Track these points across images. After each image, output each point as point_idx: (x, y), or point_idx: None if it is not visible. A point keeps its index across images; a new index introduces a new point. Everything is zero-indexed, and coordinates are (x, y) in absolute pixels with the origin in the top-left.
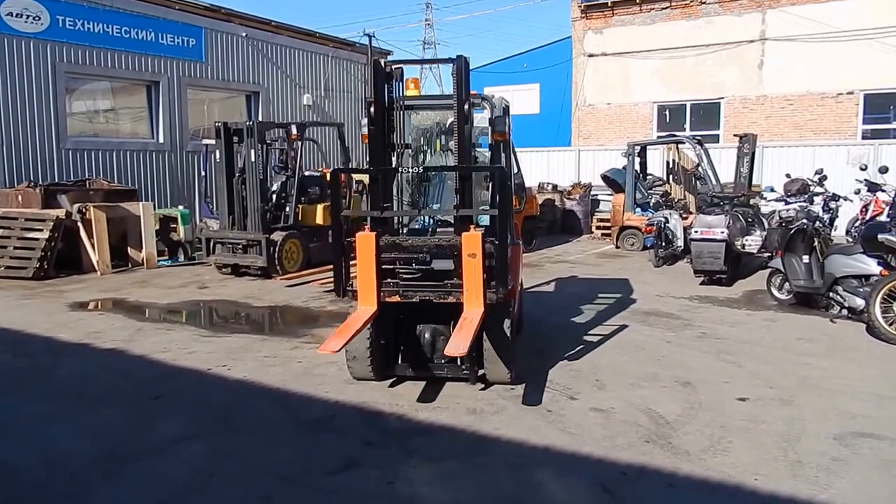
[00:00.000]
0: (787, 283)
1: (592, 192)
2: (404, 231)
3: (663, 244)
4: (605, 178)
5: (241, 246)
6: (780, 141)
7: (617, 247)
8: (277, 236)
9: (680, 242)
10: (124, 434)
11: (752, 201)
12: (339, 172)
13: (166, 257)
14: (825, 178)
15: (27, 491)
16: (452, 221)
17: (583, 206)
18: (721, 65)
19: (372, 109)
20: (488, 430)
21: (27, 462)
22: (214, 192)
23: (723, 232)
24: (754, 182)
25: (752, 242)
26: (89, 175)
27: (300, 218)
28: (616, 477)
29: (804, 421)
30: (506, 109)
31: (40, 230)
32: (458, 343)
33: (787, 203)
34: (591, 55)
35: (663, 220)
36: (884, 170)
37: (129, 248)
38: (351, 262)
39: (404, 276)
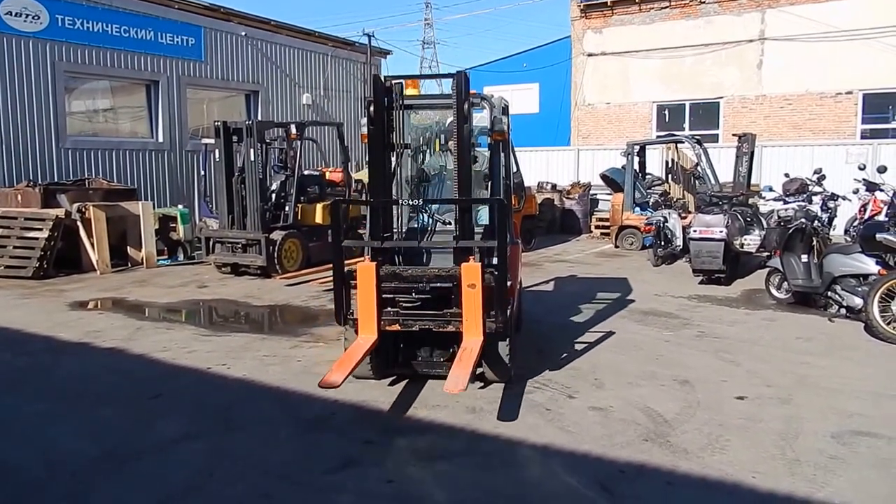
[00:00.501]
0: (785, 283)
1: (591, 192)
2: (404, 231)
3: (662, 243)
4: (604, 177)
5: (240, 245)
6: (779, 140)
7: (616, 246)
8: (277, 235)
9: (679, 242)
10: (124, 433)
11: (750, 201)
12: (339, 204)
13: (166, 256)
14: (824, 177)
15: (27, 490)
16: (451, 221)
17: (582, 206)
18: (720, 64)
19: (371, 109)
20: (488, 429)
21: (27, 461)
22: (214, 192)
23: (721, 231)
24: (753, 181)
25: (751, 242)
26: (89, 174)
27: (300, 217)
28: (615, 475)
29: (802, 419)
30: (505, 109)
31: (40, 229)
32: (457, 377)
33: (785, 202)
34: (590, 55)
35: (662, 219)
36: (882, 169)
37: (128, 248)
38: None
39: (404, 304)
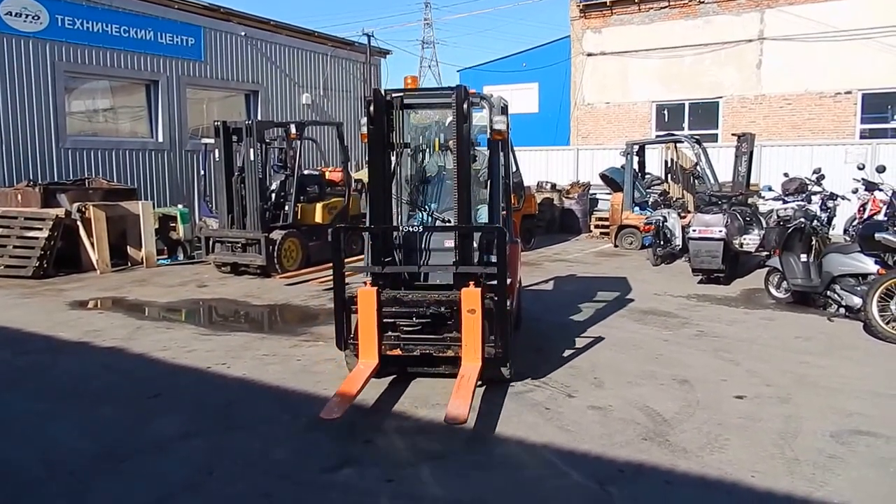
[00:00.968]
0: (784, 282)
1: (591, 191)
2: (403, 231)
3: (661, 243)
4: (603, 177)
5: (240, 245)
6: (779, 140)
7: (615, 245)
8: (276, 235)
9: (678, 241)
10: (124, 432)
11: (750, 200)
12: (339, 231)
13: (166, 256)
14: (823, 177)
15: (27, 489)
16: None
17: (581, 205)
18: (719, 64)
19: (371, 108)
20: (487, 428)
21: (27, 460)
22: (214, 191)
23: (721, 231)
24: (752, 181)
25: (750, 241)
26: (89, 174)
27: (299, 217)
28: (614, 474)
29: (801, 419)
30: (504, 108)
31: (40, 229)
32: (457, 405)
33: (784, 202)
34: (589, 54)
35: (662, 219)
36: (881, 169)
37: (128, 247)
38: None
39: (405, 329)
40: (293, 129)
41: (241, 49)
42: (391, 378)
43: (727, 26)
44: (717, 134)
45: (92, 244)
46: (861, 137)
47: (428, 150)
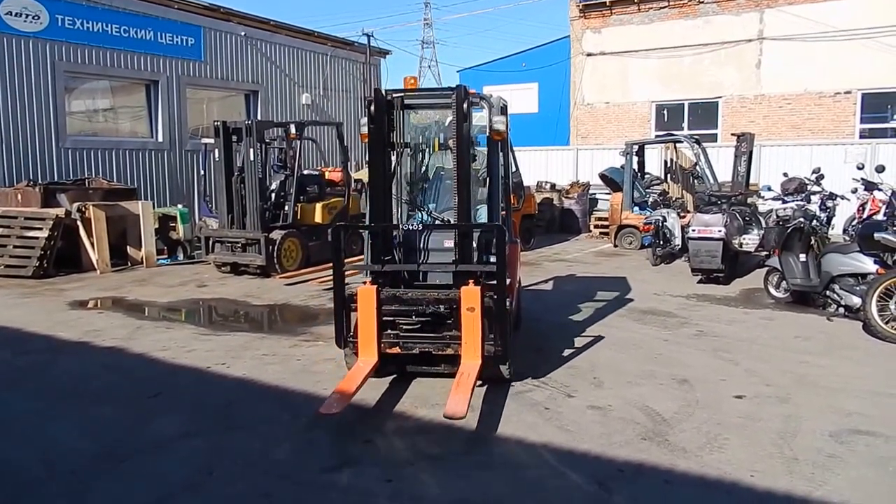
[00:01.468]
0: (784, 282)
1: (590, 191)
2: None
3: (661, 243)
4: (603, 177)
5: (240, 245)
6: (778, 140)
7: (615, 245)
8: (276, 235)
9: (678, 241)
10: (124, 432)
11: (749, 200)
12: (339, 229)
13: (165, 256)
14: (822, 177)
15: (27, 489)
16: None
17: (581, 205)
18: (719, 64)
19: (372, 108)
20: (486, 428)
21: (27, 460)
22: (213, 191)
23: (720, 231)
24: (752, 181)
25: (750, 241)
26: (89, 174)
27: (299, 217)
28: (613, 474)
29: (800, 418)
30: (504, 108)
31: (40, 229)
32: (456, 402)
33: (784, 202)
34: (589, 54)
35: (661, 218)
36: (880, 169)
37: (128, 247)
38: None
39: (404, 327)
40: (293, 129)
41: (241, 49)
42: (391, 378)
43: (727, 26)
44: (716, 134)
45: (92, 244)
46: (860, 137)
47: (427, 150)
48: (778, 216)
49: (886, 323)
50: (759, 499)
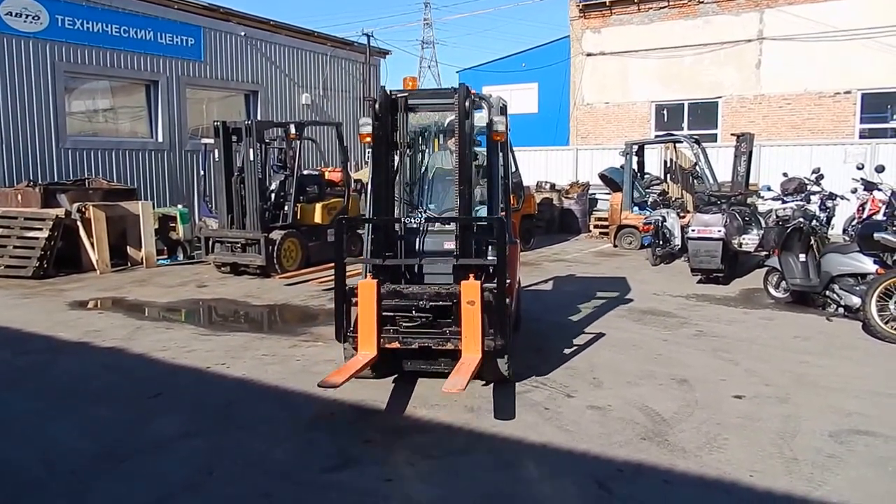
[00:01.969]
0: (783, 282)
1: (590, 191)
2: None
3: (661, 243)
4: (602, 177)
5: (239, 245)
6: (778, 140)
7: (615, 245)
8: (276, 235)
9: (677, 241)
10: (124, 432)
11: (749, 200)
12: (342, 222)
13: (165, 256)
14: (822, 177)
15: (27, 489)
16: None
17: (581, 205)
18: (719, 64)
19: (377, 106)
20: (486, 428)
21: (27, 460)
22: (213, 192)
23: (720, 231)
24: (751, 181)
25: (749, 241)
26: (88, 174)
27: (299, 217)
28: (612, 474)
29: (800, 418)
30: (503, 109)
31: (40, 229)
32: (456, 381)
33: (783, 202)
34: (589, 54)
35: (661, 218)
36: (880, 169)
37: (128, 247)
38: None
39: (404, 321)
40: (293, 130)
41: (241, 49)
42: (391, 379)
43: (726, 26)
44: (716, 134)
45: (92, 244)
46: (860, 137)
47: (428, 150)
48: (777, 216)
49: (886, 323)
50: (759, 499)
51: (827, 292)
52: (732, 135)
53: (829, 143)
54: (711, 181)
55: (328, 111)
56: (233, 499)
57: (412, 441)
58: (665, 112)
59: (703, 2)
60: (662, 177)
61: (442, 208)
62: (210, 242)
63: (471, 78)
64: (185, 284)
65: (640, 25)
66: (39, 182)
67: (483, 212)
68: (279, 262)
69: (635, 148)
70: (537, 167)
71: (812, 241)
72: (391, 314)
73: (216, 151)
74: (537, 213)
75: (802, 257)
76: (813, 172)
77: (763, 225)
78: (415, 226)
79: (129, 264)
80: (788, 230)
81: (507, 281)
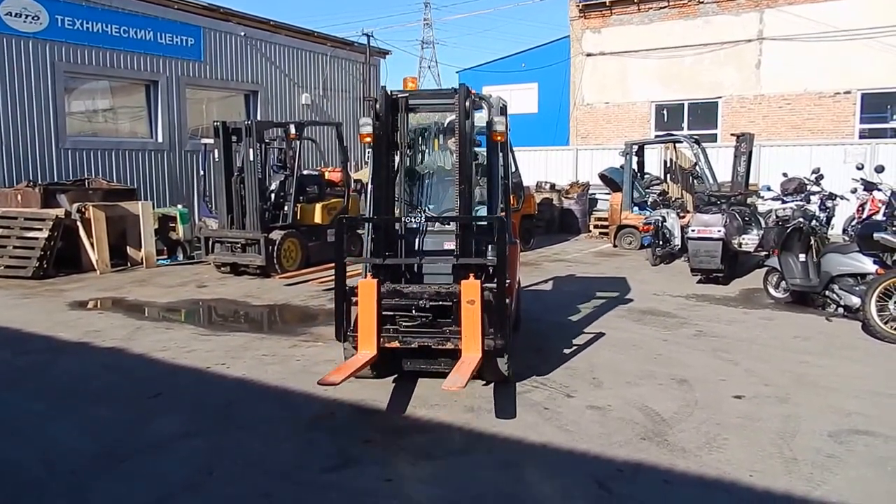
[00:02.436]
0: (783, 282)
1: (590, 191)
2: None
3: (661, 243)
4: (602, 177)
5: (239, 245)
6: (778, 140)
7: (614, 245)
8: (276, 235)
9: (677, 241)
10: (124, 431)
11: (748, 200)
12: (342, 222)
13: (165, 256)
14: (822, 177)
15: (27, 489)
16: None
17: (580, 205)
18: (719, 64)
19: (378, 107)
20: (486, 428)
21: (27, 460)
22: (213, 192)
23: (720, 231)
24: (751, 181)
25: (749, 241)
26: (88, 174)
27: (299, 217)
28: (612, 474)
29: (799, 418)
30: (503, 109)
31: (39, 229)
32: (456, 379)
33: (783, 202)
34: (589, 54)
35: (661, 219)
36: (880, 169)
37: (128, 248)
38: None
39: (404, 321)
40: (293, 130)
41: (241, 49)
42: (391, 379)
43: (726, 26)
44: (716, 134)
45: (92, 244)
46: (860, 137)
47: (428, 150)
48: (777, 216)
49: (885, 323)
50: (758, 498)
51: (827, 292)
52: (732, 135)
53: (829, 143)
54: (711, 181)
55: (328, 111)
56: (233, 499)
57: (412, 441)
58: (665, 112)
59: (703, 2)
60: (662, 177)
61: (442, 208)
62: (210, 242)
63: (471, 78)
64: (185, 284)
65: (640, 25)
66: (39, 182)
67: (483, 212)
68: (279, 263)
69: (635, 148)
70: (537, 167)
71: (812, 242)
72: (391, 314)
73: (216, 151)
74: (537, 213)
75: (802, 257)
76: (813, 172)
77: (763, 225)
78: (415, 225)
79: (129, 264)
80: (788, 230)
81: (507, 281)
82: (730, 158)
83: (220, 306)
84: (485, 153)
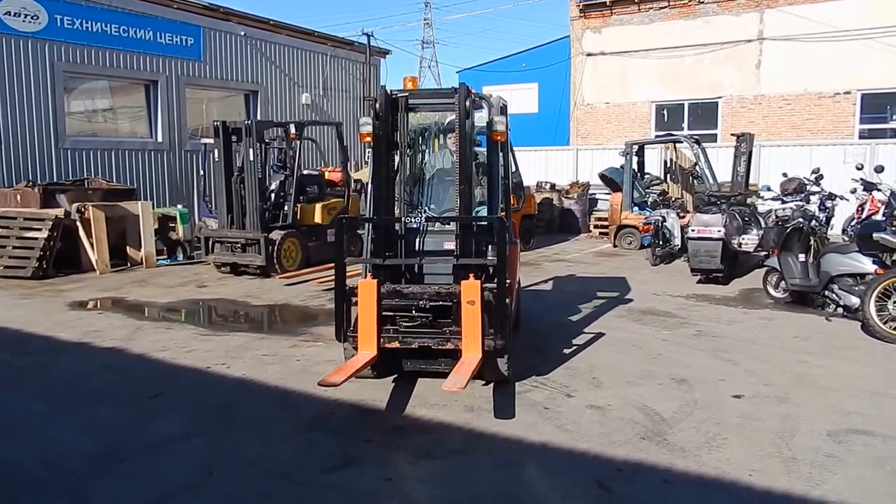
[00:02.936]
0: (783, 282)
1: (590, 191)
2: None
3: (660, 243)
4: (602, 177)
5: (239, 245)
6: (778, 140)
7: (614, 245)
8: (276, 235)
9: (677, 241)
10: (124, 432)
11: (748, 200)
12: (342, 222)
13: (165, 256)
14: (822, 177)
15: (27, 489)
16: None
17: (581, 205)
18: (719, 64)
19: (378, 107)
20: (486, 428)
21: (27, 460)
22: (213, 192)
23: (719, 231)
24: (751, 181)
25: (749, 241)
26: (88, 174)
27: (299, 217)
28: (612, 473)
29: (799, 418)
30: (503, 109)
31: (39, 230)
32: (456, 379)
33: (783, 202)
34: (589, 54)
35: (661, 219)
36: (880, 169)
37: (128, 248)
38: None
39: (404, 321)
40: (293, 129)
41: (241, 49)
42: (391, 379)
43: (727, 26)
44: (716, 134)
45: (91, 244)
46: (860, 137)
47: (428, 150)
48: (777, 216)
49: (885, 323)
50: (758, 498)
51: (826, 292)
52: (732, 135)
53: (828, 143)
54: (711, 181)
55: (328, 111)
56: (233, 499)
57: (412, 441)
58: (665, 112)
59: (703, 2)
60: (662, 177)
61: (442, 208)
62: (210, 242)
63: (471, 78)
64: (185, 284)
65: (641, 25)
66: (39, 182)
67: (483, 212)
68: (279, 262)
69: (635, 148)
70: (537, 167)
71: (811, 242)
72: (391, 314)
73: (216, 151)
74: (537, 213)
75: (802, 257)
76: (812, 173)
77: (763, 225)
78: (415, 226)
79: (129, 264)
80: (788, 230)
81: (507, 281)
82: (730, 158)
83: (220, 306)
84: (485, 153)
